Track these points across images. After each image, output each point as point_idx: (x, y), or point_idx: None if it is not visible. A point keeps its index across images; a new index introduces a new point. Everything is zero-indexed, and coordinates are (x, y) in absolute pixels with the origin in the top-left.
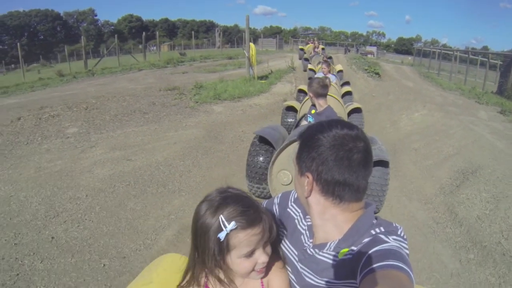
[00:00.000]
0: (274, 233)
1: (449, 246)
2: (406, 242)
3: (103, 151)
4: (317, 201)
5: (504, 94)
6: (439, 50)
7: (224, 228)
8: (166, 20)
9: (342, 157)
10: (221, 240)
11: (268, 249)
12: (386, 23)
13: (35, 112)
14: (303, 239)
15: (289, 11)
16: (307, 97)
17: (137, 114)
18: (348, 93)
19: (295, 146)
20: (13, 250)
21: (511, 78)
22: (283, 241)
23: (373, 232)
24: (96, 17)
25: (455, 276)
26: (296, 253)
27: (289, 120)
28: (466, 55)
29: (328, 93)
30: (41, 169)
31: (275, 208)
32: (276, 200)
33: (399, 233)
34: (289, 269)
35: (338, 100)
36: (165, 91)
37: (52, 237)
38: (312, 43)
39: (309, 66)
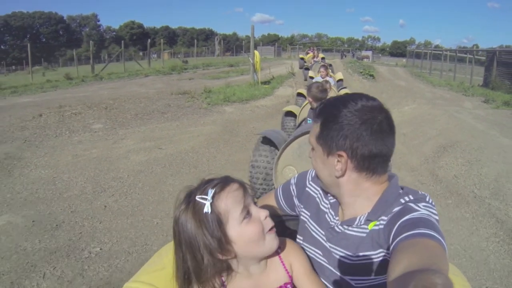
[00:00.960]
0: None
1: (431, 197)
2: (434, 208)
3: (134, 142)
4: (349, 179)
5: (489, 86)
6: (430, 51)
7: (205, 201)
8: (167, 28)
9: (376, 130)
10: (209, 213)
11: (262, 208)
12: (381, 27)
13: (56, 110)
14: (328, 217)
15: (287, 18)
16: (306, 101)
17: (156, 113)
18: None
19: (299, 142)
20: (71, 216)
21: (493, 71)
22: (307, 223)
23: (403, 201)
24: (98, 22)
25: None
26: (323, 232)
27: (289, 124)
28: (455, 54)
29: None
30: (78, 156)
31: (292, 189)
32: (293, 181)
33: (427, 200)
34: (318, 251)
35: None
36: (177, 95)
37: (105, 206)
38: (312, 52)
39: (310, 73)
